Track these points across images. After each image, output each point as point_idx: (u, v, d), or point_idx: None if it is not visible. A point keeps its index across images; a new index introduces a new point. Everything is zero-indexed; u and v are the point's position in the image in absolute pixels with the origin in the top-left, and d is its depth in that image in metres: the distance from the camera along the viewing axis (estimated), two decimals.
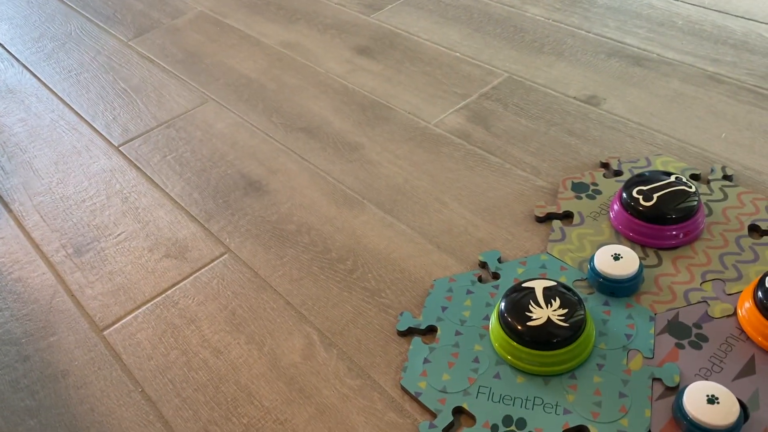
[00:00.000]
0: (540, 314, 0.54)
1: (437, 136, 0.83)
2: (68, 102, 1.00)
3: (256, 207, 0.76)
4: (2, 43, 1.18)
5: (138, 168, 0.85)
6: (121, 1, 1.25)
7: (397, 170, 0.78)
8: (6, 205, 0.82)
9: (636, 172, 0.72)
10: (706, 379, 0.52)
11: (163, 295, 0.67)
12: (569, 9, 1.04)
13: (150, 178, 0.83)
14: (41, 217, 0.79)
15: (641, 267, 0.60)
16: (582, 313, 0.55)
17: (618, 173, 0.73)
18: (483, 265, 0.65)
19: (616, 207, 0.67)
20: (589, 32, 0.98)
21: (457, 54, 0.97)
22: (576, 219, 0.68)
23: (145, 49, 1.10)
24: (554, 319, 0.54)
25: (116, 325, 0.65)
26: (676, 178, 0.66)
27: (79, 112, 0.97)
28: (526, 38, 0.99)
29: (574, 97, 0.86)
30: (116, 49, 1.11)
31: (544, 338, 0.53)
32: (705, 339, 0.55)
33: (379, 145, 0.83)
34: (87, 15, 1.23)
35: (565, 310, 0.54)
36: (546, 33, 0.99)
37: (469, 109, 0.86)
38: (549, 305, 0.55)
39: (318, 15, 1.12)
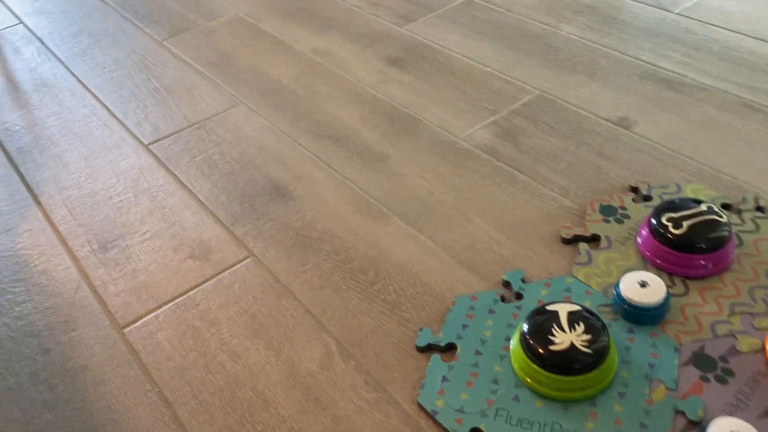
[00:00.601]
0: (563, 339, 0.54)
1: (465, 150, 0.82)
2: (101, 98, 1.01)
3: (281, 212, 0.76)
4: (41, 37, 1.20)
5: (167, 168, 0.85)
6: (158, 1, 1.27)
7: (422, 183, 0.78)
8: (35, 198, 0.83)
9: (666, 198, 0.71)
10: (731, 416, 0.51)
11: (185, 296, 0.67)
12: (604, 29, 1.04)
13: (178, 178, 0.83)
14: (69, 211, 0.80)
15: (668, 295, 0.59)
16: (606, 339, 0.54)
17: (647, 198, 0.72)
18: (506, 284, 0.64)
19: (644, 233, 0.66)
20: (623, 54, 0.97)
21: (489, 69, 0.97)
22: (603, 243, 0.67)
23: (180, 49, 1.11)
24: (577, 344, 0.53)
25: (137, 324, 0.65)
26: (708, 206, 0.65)
27: (111, 108, 0.98)
28: (560, 57, 0.98)
29: (606, 119, 0.85)
30: (151, 49, 1.12)
31: (567, 363, 0.52)
32: (731, 373, 0.54)
33: (405, 156, 0.83)
34: (124, 13, 1.25)
35: (589, 336, 0.54)
36: (579, 52, 0.99)
37: (498, 125, 0.86)
38: (573, 330, 0.54)
39: (351, 24, 1.12)
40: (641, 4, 1.09)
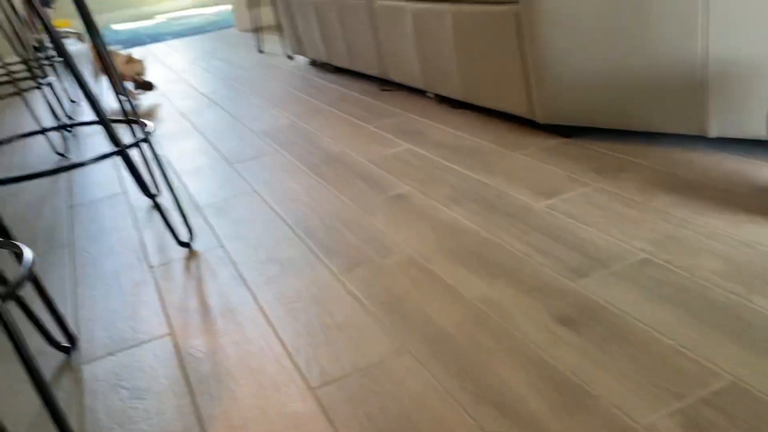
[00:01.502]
0: None
1: None
2: (278, 330, 1.07)
3: None
4: (236, 261, 1.33)
5: (328, 419, 0.86)
6: (340, 234, 1.38)
7: None
8: None
9: None
10: None
11: None
12: None
13: None
14: None
15: None
16: None
17: None
18: None
19: None
20: None
21: (671, 342, 0.90)
22: None
23: (354, 285, 1.17)
24: None
25: None
26: None
27: (285, 343, 1.04)
28: (756, 336, 0.89)
29: None
30: (328, 282, 1.20)
31: None
32: None
33: None
34: (309, 243, 1.36)
35: None
36: None
37: (684, 415, 0.78)
38: None
39: (520, 273, 1.13)
40: None
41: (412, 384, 0.90)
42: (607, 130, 1.70)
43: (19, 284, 0.80)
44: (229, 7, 6.50)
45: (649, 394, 0.82)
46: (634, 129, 1.55)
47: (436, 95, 2.20)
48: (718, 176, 1.35)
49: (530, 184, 1.46)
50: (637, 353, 0.89)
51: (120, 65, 2.84)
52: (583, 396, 0.83)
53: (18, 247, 0.94)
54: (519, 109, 1.76)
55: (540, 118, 1.69)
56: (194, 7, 7.00)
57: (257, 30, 4.45)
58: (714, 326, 0.92)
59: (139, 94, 3.05)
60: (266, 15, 4.73)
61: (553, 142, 1.67)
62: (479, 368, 0.91)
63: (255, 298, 1.18)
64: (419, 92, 2.35)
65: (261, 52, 3.72)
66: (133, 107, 1.47)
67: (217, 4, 6.99)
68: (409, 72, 2.22)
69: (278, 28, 4.46)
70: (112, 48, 3.23)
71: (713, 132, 1.42)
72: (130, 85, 2.98)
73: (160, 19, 6.42)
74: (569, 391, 0.84)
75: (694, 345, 0.89)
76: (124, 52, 2.93)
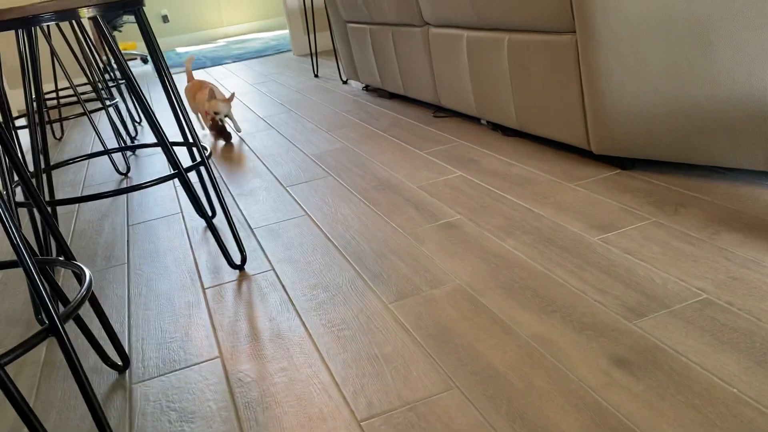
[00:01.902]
0: None
1: None
2: (326, 359, 1.07)
3: None
4: (285, 285, 1.34)
5: None
6: (390, 262, 1.37)
7: None
8: None
9: None
10: None
11: None
12: None
13: None
14: None
15: None
16: None
17: None
18: None
19: None
20: None
21: (735, 390, 0.86)
22: None
23: (403, 315, 1.16)
24: None
25: None
26: None
27: (333, 372, 1.03)
28: None
29: None
30: (376, 311, 1.19)
31: None
32: None
33: None
34: (358, 269, 1.36)
35: None
36: None
37: None
38: None
39: (575, 310, 1.09)
40: None
41: (460, 422, 0.88)
42: (666, 163, 1.65)
43: (78, 305, 0.82)
44: (286, 31, 6.66)
45: None
46: (696, 162, 1.50)
47: (490, 123, 2.19)
48: None
49: (585, 216, 1.42)
50: (699, 403, 0.85)
51: (203, 99, 2.55)
52: None
53: (79, 267, 0.97)
54: (574, 139, 1.72)
55: (596, 148, 1.65)
56: (253, 31, 7.20)
57: (313, 54, 4.53)
58: None
59: (214, 137, 2.69)
60: (322, 40, 4.82)
61: (610, 173, 1.64)
62: (531, 409, 0.88)
63: (304, 325, 1.18)
64: (473, 119, 2.34)
65: (317, 76, 3.78)
66: (192, 130, 1.51)
67: (275, 29, 7.17)
68: (462, 99, 2.21)
69: (334, 53, 4.53)
70: (198, 79, 2.74)
71: None
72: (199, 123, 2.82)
73: (220, 42, 6.63)
74: None
75: (759, 395, 0.84)
76: (213, 85, 2.58)
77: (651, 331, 1.01)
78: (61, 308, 1.17)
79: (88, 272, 0.94)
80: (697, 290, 1.09)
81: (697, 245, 1.23)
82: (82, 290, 0.88)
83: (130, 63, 5.97)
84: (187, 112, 1.52)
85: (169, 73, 1.47)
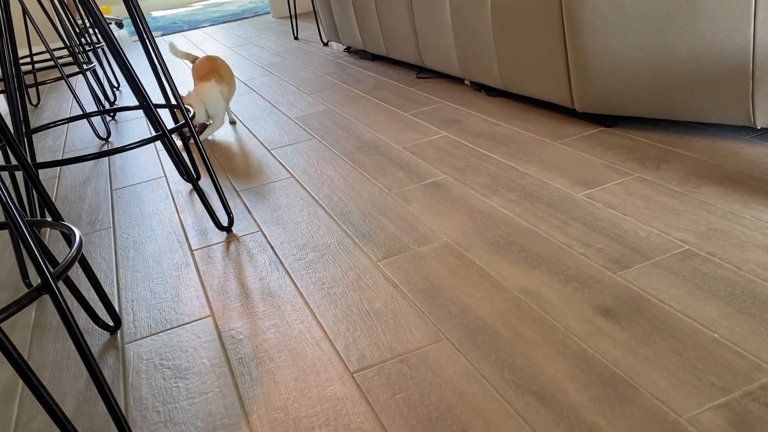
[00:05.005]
0: None
1: None
2: (317, 315, 1.08)
3: None
4: (274, 246, 1.35)
5: (368, 402, 0.87)
6: (377, 221, 1.38)
7: None
8: (246, 416, 0.88)
9: None
10: None
11: None
12: None
13: (378, 417, 0.84)
14: None
15: None
16: None
17: None
18: None
19: None
20: None
21: (716, 336, 0.89)
22: None
23: (392, 272, 1.18)
24: None
25: None
26: None
27: (324, 327, 1.05)
28: None
29: None
30: (366, 268, 1.21)
31: None
32: None
33: None
34: (346, 229, 1.37)
35: None
36: None
37: (730, 409, 0.76)
38: None
39: (560, 263, 1.12)
40: None
41: (451, 372, 0.90)
42: (648, 120, 1.66)
43: (71, 263, 0.82)
44: None
45: (693, 388, 0.81)
46: (677, 119, 1.51)
47: (473, 83, 2.19)
48: (765, 168, 1.31)
49: (569, 173, 1.44)
50: (681, 348, 0.88)
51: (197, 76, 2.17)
52: (625, 388, 0.82)
53: (68, 227, 0.97)
54: (558, 98, 1.73)
55: (579, 106, 1.66)
56: None
57: (293, 16, 4.46)
58: (761, 321, 0.90)
59: (196, 125, 2.13)
60: (302, 1, 4.74)
61: (593, 131, 1.65)
62: (519, 358, 0.91)
63: (294, 283, 1.19)
64: (456, 80, 2.34)
65: (297, 38, 3.73)
66: (175, 92, 1.49)
67: None
68: (446, 59, 2.20)
69: (314, 15, 4.46)
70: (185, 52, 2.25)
71: (760, 122, 1.38)
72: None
73: (197, 6, 6.48)
74: (611, 383, 0.84)
75: (739, 339, 0.88)
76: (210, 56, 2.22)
77: (634, 282, 1.03)
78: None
79: (78, 232, 0.94)
80: (679, 242, 1.11)
81: (679, 199, 1.25)
82: (73, 250, 0.88)
83: None
84: (170, 74, 1.50)
85: (151, 34, 1.45)
